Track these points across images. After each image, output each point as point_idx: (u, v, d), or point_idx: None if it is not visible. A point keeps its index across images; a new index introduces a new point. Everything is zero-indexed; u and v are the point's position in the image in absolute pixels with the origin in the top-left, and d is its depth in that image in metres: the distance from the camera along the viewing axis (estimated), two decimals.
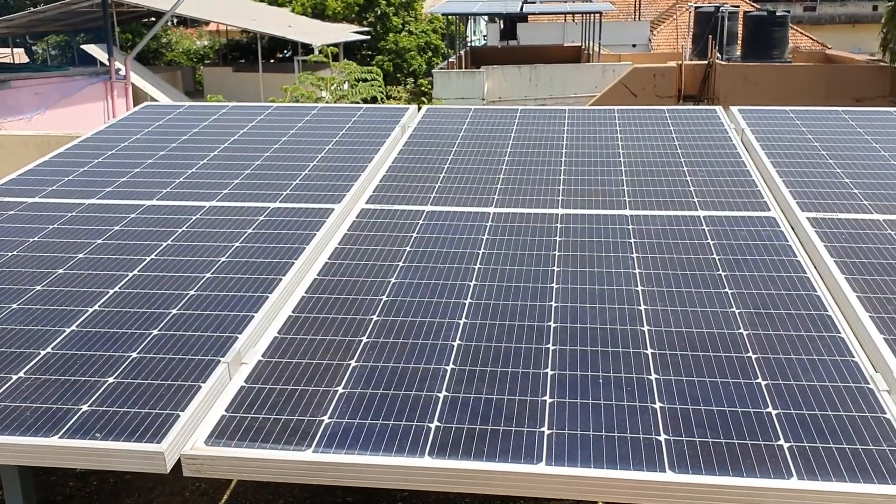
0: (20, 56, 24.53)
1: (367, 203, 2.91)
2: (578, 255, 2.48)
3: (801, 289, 2.25)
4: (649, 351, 1.99)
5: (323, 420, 1.78)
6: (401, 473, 1.66)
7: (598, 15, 24.84)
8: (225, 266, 2.45)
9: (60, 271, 2.46)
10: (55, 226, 2.78)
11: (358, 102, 10.04)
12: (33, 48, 25.68)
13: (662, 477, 1.60)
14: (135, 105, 4.29)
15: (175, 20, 31.63)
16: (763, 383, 1.86)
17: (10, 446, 1.73)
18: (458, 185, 3.03)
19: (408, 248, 2.56)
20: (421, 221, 2.74)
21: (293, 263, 2.45)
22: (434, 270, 2.42)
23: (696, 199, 2.83)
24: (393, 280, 2.37)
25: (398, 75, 29.32)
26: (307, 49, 22.68)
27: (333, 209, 2.82)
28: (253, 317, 2.16)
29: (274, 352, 2.04)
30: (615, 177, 3.05)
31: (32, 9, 21.12)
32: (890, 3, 16.53)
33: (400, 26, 30.57)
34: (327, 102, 9.45)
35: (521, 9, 26.23)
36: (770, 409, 1.77)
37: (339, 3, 30.24)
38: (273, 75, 23.52)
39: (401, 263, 2.47)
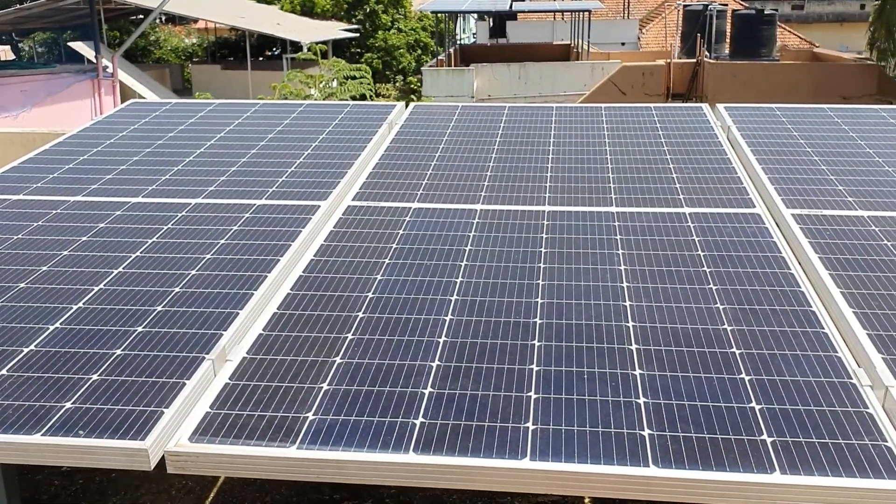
0: (6, 53, 24.37)
1: (353, 200, 2.90)
2: (565, 251, 2.49)
3: (786, 285, 2.26)
4: (634, 347, 1.99)
5: (307, 417, 1.78)
6: (385, 469, 1.66)
7: (587, 13, 24.86)
8: (210, 263, 2.44)
9: (44, 268, 2.45)
10: (40, 223, 2.77)
11: (347, 100, 10.02)
12: (19, 45, 25.51)
13: (646, 472, 1.61)
14: (122, 103, 4.27)
15: (163, 17, 31.50)
16: (747, 378, 1.86)
17: None
18: (445, 183, 3.03)
19: (394, 246, 2.56)
20: (407, 218, 2.74)
21: (278, 261, 2.44)
22: (420, 267, 2.42)
23: (681, 196, 2.84)
24: (379, 277, 2.37)
25: (387, 73, 29.29)
26: (296, 47, 22.61)
27: (319, 206, 2.81)
28: (238, 314, 2.15)
29: (259, 349, 2.04)
30: (602, 174, 3.06)
31: (19, 5, 20.98)
32: (877, 2, 16.63)
33: (389, 24, 30.54)
34: (316, 100, 9.43)
35: (511, 6, 26.25)
36: (753, 404, 1.78)
37: (327, 1, 30.19)
38: (262, 73, 23.48)
39: (387, 260, 2.47)
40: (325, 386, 1.88)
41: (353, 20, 29.62)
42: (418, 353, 1.99)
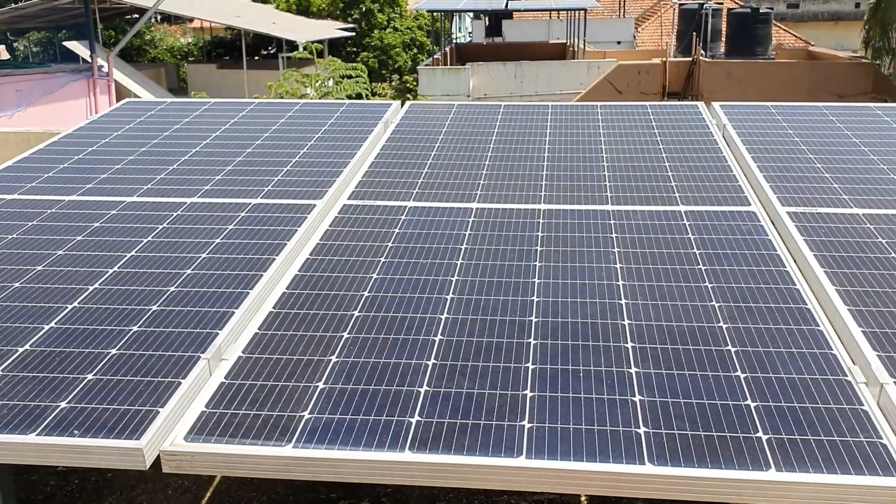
0: (1, 53, 24.31)
1: (349, 199, 2.90)
2: (560, 250, 2.49)
3: (781, 282, 2.26)
4: (629, 345, 2.00)
5: (303, 415, 1.78)
6: (381, 468, 1.66)
7: (583, 12, 24.88)
8: (206, 262, 2.44)
9: (40, 268, 2.44)
10: (35, 222, 2.76)
11: (343, 99, 10.01)
12: (14, 45, 25.44)
13: (642, 469, 1.61)
14: (118, 102, 4.26)
15: (159, 17, 31.45)
16: (742, 376, 1.87)
17: None
18: (441, 181, 3.03)
19: (390, 244, 2.56)
20: (403, 217, 2.74)
21: (274, 259, 2.44)
22: (416, 266, 2.42)
23: (677, 194, 2.84)
24: (375, 276, 2.37)
25: (383, 72, 29.28)
26: (292, 46, 22.58)
27: (315, 205, 2.81)
28: (234, 313, 2.15)
29: (255, 348, 2.03)
30: (597, 172, 3.06)
31: (14, 5, 20.93)
32: (872, 1, 16.66)
33: (385, 23, 30.52)
34: (312, 99, 9.42)
35: (507, 5, 26.25)
36: (749, 401, 1.78)
37: (323, 0, 30.16)
38: (258, 72, 23.47)
39: (383, 259, 2.46)
40: (320, 384, 1.88)
41: (349, 19, 29.60)
42: (414, 352, 1.99)
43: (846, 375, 1.87)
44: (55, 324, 2.13)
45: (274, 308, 2.21)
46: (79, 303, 2.23)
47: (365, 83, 10.94)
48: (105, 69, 16.26)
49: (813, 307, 2.14)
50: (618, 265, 2.38)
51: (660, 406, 1.77)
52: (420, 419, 1.75)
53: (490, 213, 2.75)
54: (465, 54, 25.57)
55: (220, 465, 1.71)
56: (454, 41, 31.11)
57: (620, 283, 2.28)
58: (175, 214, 2.78)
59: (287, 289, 2.31)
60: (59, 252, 2.54)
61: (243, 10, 25.50)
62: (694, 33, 18.73)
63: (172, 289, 2.29)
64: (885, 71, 15.79)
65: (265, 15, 26.31)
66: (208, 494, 2.77)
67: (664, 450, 1.65)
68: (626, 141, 3.37)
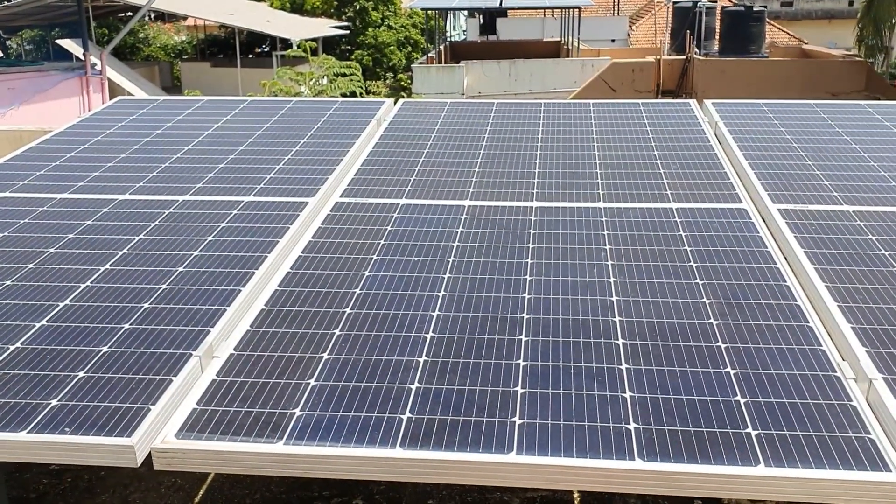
0: None
1: (341, 196, 2.90)
2: (552, 247, 2.49)
3: (771, 279, 2.27)
4: (620, 341, 2.00)
5: (295, 412, 1.78)
6: (372, 465, 1.66)
7: (577, 10, 24.88)
8: (198, 260, 2.44)
9: (31, 266, 2.44)
10: (26, 220, 2.76)
11: (337, 97, 10.00)
12: (7, 43, 25.35)
13: (632, 465, 1.61)
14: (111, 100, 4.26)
15: (152, 15, 31.36)
16: (732, 372, 1.87)
17: None
18: (434, 179, 3.03)
19: (382, 242, 2.56)
20: (395, 215, 2.74)
21: (266, 257, 2.44)
22: (408, 263, 2.42)
23: (668, 192, 2.85)
24: (367, 273, 2.37)
25: (377, 70, 29.26)
26: (286, 44, 22.55)
27: (308, 203, 2.81)
28: (225, 310, 2.15)
29: (246, 345, 2.04)
30: (589, 169, 3.07)
31: (7, 2, 20.85)
32: None
33: (379, 21, 30.50)
34: (306, 97, 9.41)
35: (501, 4, 26.23)
36: (739, 397, 1.79)
37: None
38: (251, 70, 23.43)
39: (375, 256, 2.47)
40: (312, 382, 1.88)
41: (343, 17, 29.58)
42: (405, 349, 2.00)
43: (835, 371, 1.88)
44: (47, 321, 2.13)
45: (266, 305, 2.21)
46: (70, 300, 2.23)
47: (359, 81, 10.91)
48: (98, 67, 16.21)
49: (803, 304, 2.15)
50: (609, 262, 2.39)
51: (650, 402, 1.78)
52: (412, 416, 1.76)
53: (482, 211, 2.75)
54: (459, 52, 25.55)
55: (211, 463, 1.71)
56: (448, 39, 31.09)
57: (611, 279, 2.29)
58: (167, 212, 2.78)
59: (279, 286, 2.31)
60: (51, 250, 2.53)
61: (237, 9, 25.45)
62: (688, 31, 18.75)
63: (164, 286, 2.29)
64: (878, 69, 15.84)
65: (259, 13, 26.28)
66: (201, 492, 2.77)
67: (655, 445, 1.66)
68: (618, 139, 3.38)
